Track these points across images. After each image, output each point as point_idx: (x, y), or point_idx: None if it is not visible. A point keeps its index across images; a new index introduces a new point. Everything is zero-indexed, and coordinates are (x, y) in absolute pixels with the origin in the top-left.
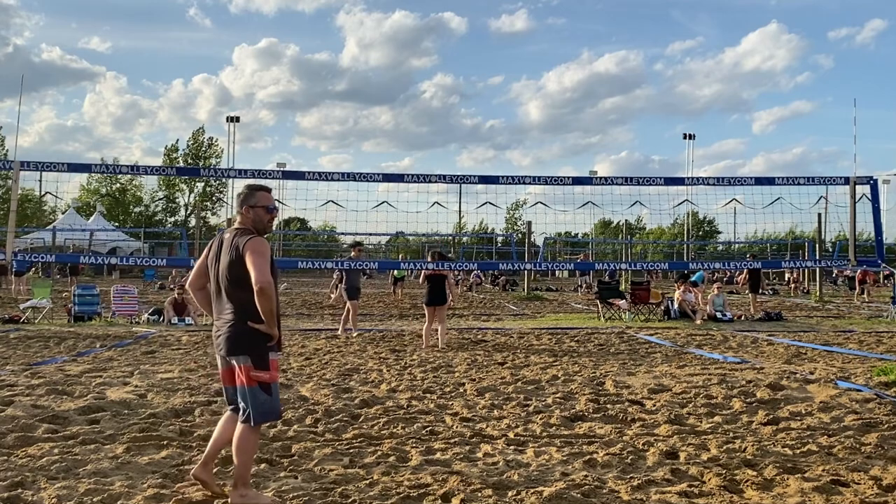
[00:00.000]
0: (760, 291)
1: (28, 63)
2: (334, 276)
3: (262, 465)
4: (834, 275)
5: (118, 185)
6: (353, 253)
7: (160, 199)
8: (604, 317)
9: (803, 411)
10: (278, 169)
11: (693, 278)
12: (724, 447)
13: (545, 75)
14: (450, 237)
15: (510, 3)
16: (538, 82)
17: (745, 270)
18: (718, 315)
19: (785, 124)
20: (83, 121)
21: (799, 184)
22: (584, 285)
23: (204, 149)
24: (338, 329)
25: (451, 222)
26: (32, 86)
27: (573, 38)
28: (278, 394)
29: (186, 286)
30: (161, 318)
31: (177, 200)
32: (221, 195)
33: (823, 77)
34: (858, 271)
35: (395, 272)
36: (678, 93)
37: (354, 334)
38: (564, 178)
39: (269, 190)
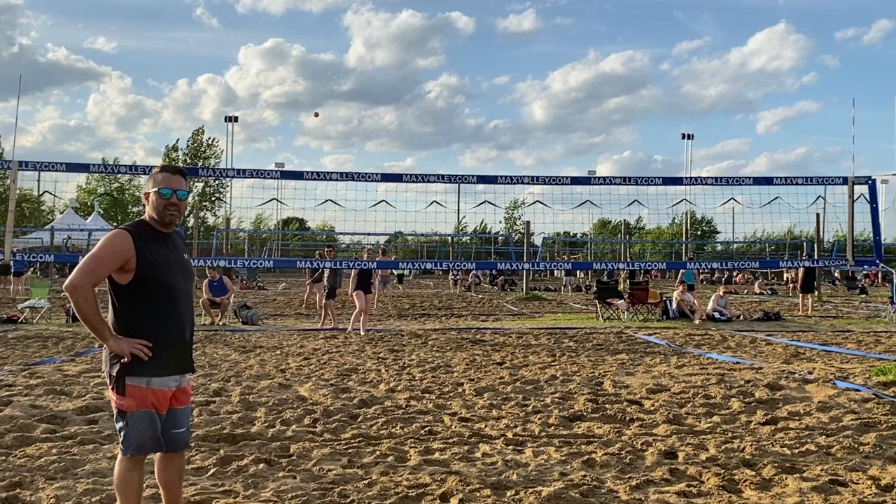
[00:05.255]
0: (810, 290)
1: (33, 63)
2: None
3: (261, 465)
4: (836, 274)
5: (117, 184)
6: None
7: None
8: (602, 317)
9: (802, 411)
10: (277, 169)
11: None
12: (723, 447)
13: (550, 75)
14: (449, 237)
15: (518, 3)
16: (543, 82)
17: (802, 269)
18: (716, 315)
19: (789, 124)
20: (86, 121)
21: (797, 184)
22: (569, 286)
23: (203, 149)
24: (334, 329)
25: (449, 222)
26: (37, 85)
27: (580, 38)
28: (146, 427)
29: None
30: None
31: None
32: (220, 195)
33: (829, 77)
34: None
35: (396, 271)
36: (683, 93)
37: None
38: (563, 177)
39: (177, 171)
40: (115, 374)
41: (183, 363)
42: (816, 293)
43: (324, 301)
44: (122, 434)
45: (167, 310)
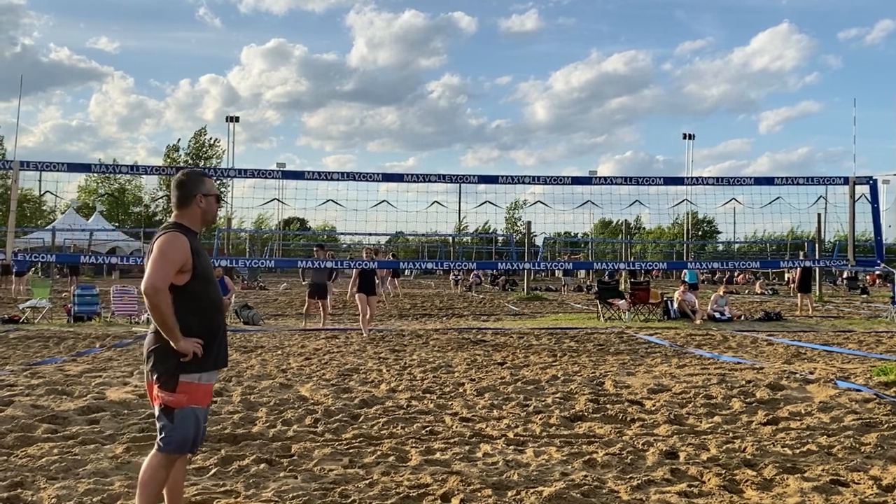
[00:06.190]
0: (807, 290)
1: (35, 63)
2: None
3: (262, 465)
4: (844, 275)
5: (117, 185)
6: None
7: (160, 199)
8: (603, 317)
9: (803, 411)
10: (278, 169)
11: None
12: (724, 447)
13: (553, 75)
14: (450, 237)
15: (520, 3)
16: (546, 82)
17: (799, 269)
18: (717, 315)
19: (792, 124)
20: (88, 121)
21: (798, 184)
22: (567, 286)
23: (205, 149)
24: (335, 329)
25: (450, 222)
26: (39, 86)
27: (582, 38)
28: (191, 424)
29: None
30: None
31: None
32: (221, 195)
33: (831, 77)
34: None
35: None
36: (686, 93)
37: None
38: (564, 177)
39: (211, 176)
40: (169, 371)
41: (224, 358)
42: (815, 293)
43: (308, 299)
44: (163, 432)
45: (213, 307)
